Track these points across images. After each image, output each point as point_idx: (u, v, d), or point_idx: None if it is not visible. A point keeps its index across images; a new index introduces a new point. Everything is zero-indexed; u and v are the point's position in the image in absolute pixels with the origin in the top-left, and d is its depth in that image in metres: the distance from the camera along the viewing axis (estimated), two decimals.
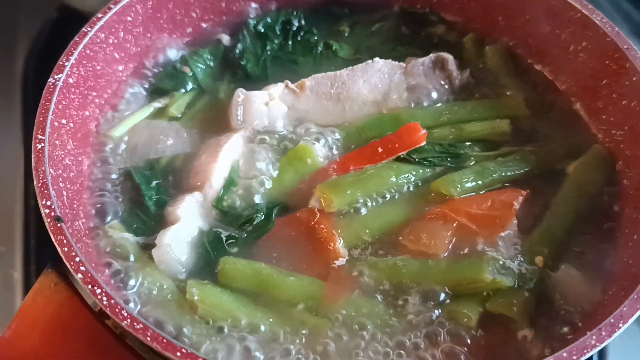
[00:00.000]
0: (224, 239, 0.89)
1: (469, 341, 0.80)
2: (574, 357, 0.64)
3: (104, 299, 0.68)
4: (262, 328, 0.81)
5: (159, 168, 0.98)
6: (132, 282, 0.82)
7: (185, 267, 0.87)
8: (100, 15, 0.98)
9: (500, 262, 0.85)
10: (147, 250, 0.87)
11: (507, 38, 1.13)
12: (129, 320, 0.66)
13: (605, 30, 0.97)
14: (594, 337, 0.66)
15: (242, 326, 0.81)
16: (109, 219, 0.91)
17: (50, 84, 0.89)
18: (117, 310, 0.67)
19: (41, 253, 1.17)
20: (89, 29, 0.96)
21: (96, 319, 0.70)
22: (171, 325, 0.77)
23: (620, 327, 0.67)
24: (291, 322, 0.81)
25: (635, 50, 0.94)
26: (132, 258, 0.85)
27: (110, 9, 0.99)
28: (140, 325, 0.66)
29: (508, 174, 0.94)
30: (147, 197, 0.93)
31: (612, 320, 0.67)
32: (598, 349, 0.66)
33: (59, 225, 0.74)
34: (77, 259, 0.71)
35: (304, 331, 0.80)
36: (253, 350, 0.77)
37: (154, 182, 0.95)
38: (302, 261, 0.88)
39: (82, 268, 0.70)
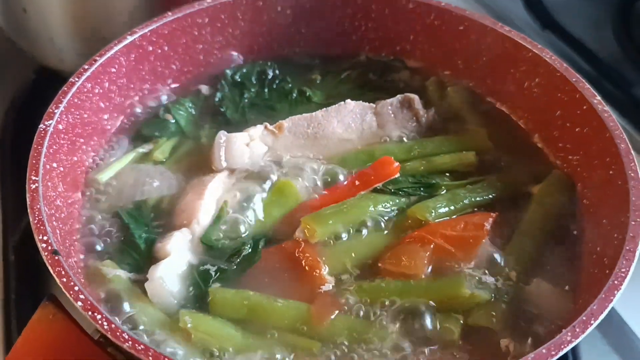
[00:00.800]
0: (213, 271, 0.93)
1: (454, 354, 0.83)
2: (553, 352, 0.69)
3: (105, 324, 0.70)
4: (255, 353, 0.83)
5: (147, 208, 1.01)
6: (127, 313, 0.83)
7: (178, 299, 0.89)
8: (86, 67, 1.03)
9: (477, 278, 0.90)
10: (139, 285, 0.89)
11: (467, 80, 1.22)
12: (130, 342, 0.68)
13: (555, 67, 1.07)
14: (569, 334, 0.71)
15: (236, 351, 0.83)
16: (99, 257, 0.93)
17: (42, 129, 0.93)
18: (117, 333, 0.69)
19: (23, 308, 1.18)
20: (77, 79, 1.01)
21: (97, 346, 0.71)
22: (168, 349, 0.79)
23: (592, 324, 0.72)
24: (283, 346, 0.84)
25: (583, 82, 1.03)
26: (124, 293, 0.87)
27: (95, 60, 1.05)
28: (142, 347, 0.68)
29: (477, 199, 1.01)
30: (137, 236, 0.96)
31: (584, 318, 0.73)
32: (573, 344, 0.70)
33: (56, 258, 0.76)
34: (76, 288, 0.73)
35: (294, 354, 0.83)
36: None
37: (143, 222, 0.98)
38: (290, 288, 0.91)
39: (82, 296, 0.73)
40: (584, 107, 1.01)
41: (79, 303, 0.71)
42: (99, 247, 0.95)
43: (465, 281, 0.88)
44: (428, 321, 0.86)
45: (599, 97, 1.01)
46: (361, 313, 0.88)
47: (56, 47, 1.41)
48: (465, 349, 0.85)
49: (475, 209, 1.01)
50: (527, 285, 0.91)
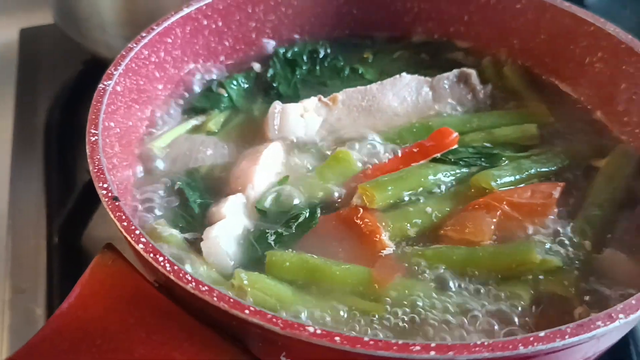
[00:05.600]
0: (269, 235, 0.90)
1: (526, 319, 0.79)
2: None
3: (167, 265, 0.68)
4: (314, 312, 0.79)
5: (200, 176, 0.99)
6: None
7: (234, 261, 0.87)
8: (144, 34, 1.03)
9: (547, 246, 0.86)
10: (193, 246, 0.87)
11: (524, 59, 1.19)
12: (194, 283, 0.66)
13: (620, 38, 1.03)
14: None
15: (293, 310, 0.79)
16: (154, 220, 0.91)
17: (101, 88, 0.92)
18: (181, 275, 0.66)
19: (65, 290, 1.17)
20: (135, 45, 1.01)
21: (158, 292, 0.69)
22: None
23: None
24: (337, 306, 0.80)
25: None
26: (179, 251, 0.85)
27: (153, 29, 1.04)
28: (206, 287, 0.65)
29: (543, 169, 0.97)
30: (191, 200, 0.94)
31: None
32: None
33: (117, 203, 0.75)
34: (137, 232, 0.71)
35: (356, 314, 0.79)
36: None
37: (197, 188, 0.97)
38: (349, 253, 0.88)
39: (143, 239, 0.70)
40: None
41: (140, 246, 0.69)
42: (153, 211, 0.93)
43: (536, 247, 0.83)
44: (494, 287, 0.82)
45: None
46: (423, 278, 0.84)
47: (106, 33, 1.42)
48: (536, 317, 0.80)
49: (541, 180, 0.96)
50: (599, 254, 0.86)
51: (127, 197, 0.91)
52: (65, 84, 1.57)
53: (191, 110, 1.10)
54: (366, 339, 0.62)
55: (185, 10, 1.09)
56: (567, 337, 0.62)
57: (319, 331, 0.62)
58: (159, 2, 1.36)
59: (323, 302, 0.81)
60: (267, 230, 0.90)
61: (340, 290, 0.83)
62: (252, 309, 0.63)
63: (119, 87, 0.95)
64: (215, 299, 0.64)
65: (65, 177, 1.41)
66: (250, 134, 1.07)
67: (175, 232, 0.89)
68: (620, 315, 0.64)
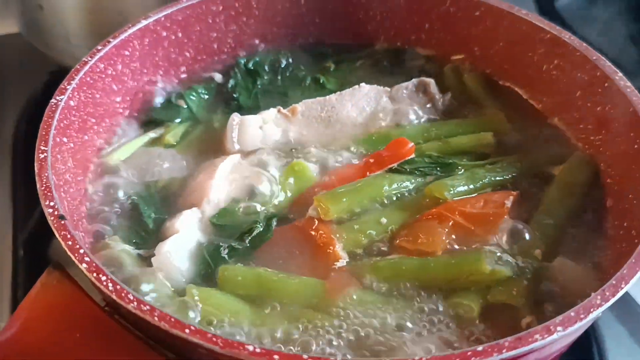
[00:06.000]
0: (224, 249, 0.90)
1: (474, 331, 0.79)
2: (582, 316, 0.65)
3: (109, 284, 0.67)
4: (267, 327, 0.79)
5: (156, 189, 0.99)
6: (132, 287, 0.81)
7: (186, 277, 0.86)
8: (100, 47, 1.03)
9: (497, 255, 0.86)
10: (146, 262, 0.87)
11: (484, 66, 1.20)
12: (135, 303, 0.66)
13: (575, 46, 1.04)
14: (599, 297, 0.67)
15: (244, 325, 0.79)
16: (107, 234, 0.91)
17: (53, 104, 0.92)
18: (123, 294, 0.66)
19: None
20: (89, 58, 1.00)
21: (103, 312, 0.69)
22: None
23: (622, 287, 0.68)
24: (294, 321, 0.80)
25: (603, 59, 1.01)
26: (131, 268, 0.85)
27: (109, 42, 1.04)
28: (148, 307, 0.65)
29: (497, 178, 0.98)
30: (145, 215, 0.94)
31: (614, 282, 0.69)
32: (603, 308, 0.66)
33: (62, 222, 0.74)
34: (82, 251, 0.71)
35: (308, 327, 0.79)
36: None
37: (152, 202, 0.96)
38: (304, 266, 0.88)
39: (87, 259, 0.70)
40: (605, 85, 0.98)
41: (84, 265, 0.69)
42: (106, 226, 0.93)
43: (486, 258, 0.84)
44: (444, 298, 0.82)
45: (620, 74, 0.98)
46: (376, 289, 0.84)
47: (71, 44, 1.41)
48: (485, 327, 0.80)
49: (495, 189, 0.97)
50: (549, 263, 0.87)
51: (79, 213, 0.90)
52: (31, 95, 1.56)
53: (150, 123, 1.10)
54: (305, 356, 0.62)
55: (143, 22, 1.09)
56: (504, 350, 0.63)
57: (258, 349, 0.62)
58: (123, 13, 1.35)
59: (276, 316, 0.82)
60: (221, 245, 0.90)
61: (294, 304, 0.83)
62: (192, 328, 0.63)
63: (73, 101, 0.95)
64: (156, 318, 0.64)
65: (32, 188, 1.40)
66: (210, 146, 1.07)
67: (129, 248, 0.89)
68: (559, 328, 0.64)
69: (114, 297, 0.66)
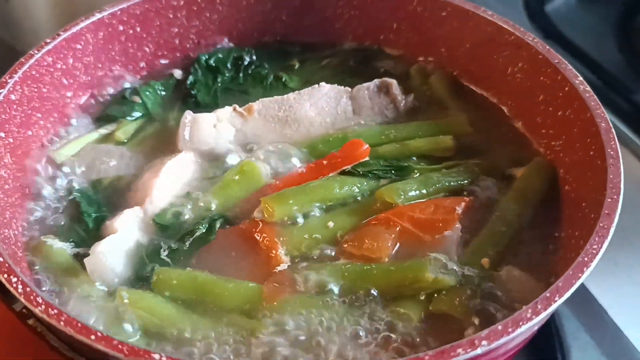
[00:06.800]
0: (163, 251, 0.87)
1: (414, 341, 0.76)
2: (509, 330, 0.62)
3: (19, 287, 0.65)
4: (193, 332, 0.77)
5: (101, 188, 0.97)
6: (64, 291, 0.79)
7: (119, 278, 0.84)
8: (48, 41, 1.00)
9: (443, 263, 0.83)
10: (81, 261, 0.84)
11: (451, 67, 1.16)
12: (43, 307, 0.63)
13: (537, 49, 1.01)
14: (530, 311, 0.64)
15: (173, 329, 0.77)
16: (45, 233, 0.89)
17: None
18: (32, 297, 0.64)
19: None
20: (36, 51, 0.98)
21: (18, 319, 0.66)
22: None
23: (555, 301, 0.64)
24: (223, 326, 0.77)
25: (565, 63, 0.97)
26: (64, 267, 0.82)
27: (59, 35, 1.02)
28: (55, 311, 0.63)
29: (452, 183, 0.94)
30: (86, 215, 0.91)
31: (547, 295, 0.65)
32: (533, 321, 0.63)
33: None
34: None
35: (236, 334, 0.77)
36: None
37: (95, 201, 0.94)
38: (244, 269, 0.85)
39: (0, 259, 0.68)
40: (566, 89, 0.95)
41: None
42: (45, 223, 0.90)
43: (430, 265, 0.81)
44: (385, 306, 0.79)
45: (580, 78, 0.94)
46: (316, 294, 0.81)
47: (38, 38, 1.39)
48: (425, 336, 0.77)
49: (449, 194, 0.94)
50: (498, 272, 0.83)
51: (16, 209, 0.88)
52: None
53: (102, 119, 1.07)
54: None
55: (97, 16, 1.07)
56: None
57: (164, 358, 0.59)
58: (92, 6, 1.33)
59: (208, 321, 0.79)
60: (161, 245, 0.87)
61: (228, 308, 0.80)
62: (98, 334, 0.61)
63: (14, 95, 0.92)
64: (62, 323, 0.61)
65: None
66: (164, 144, 1.05)
67: (66, 246, 0.86)
68: (483, 342, 0.61)
69: (22, 299, 0.63)
